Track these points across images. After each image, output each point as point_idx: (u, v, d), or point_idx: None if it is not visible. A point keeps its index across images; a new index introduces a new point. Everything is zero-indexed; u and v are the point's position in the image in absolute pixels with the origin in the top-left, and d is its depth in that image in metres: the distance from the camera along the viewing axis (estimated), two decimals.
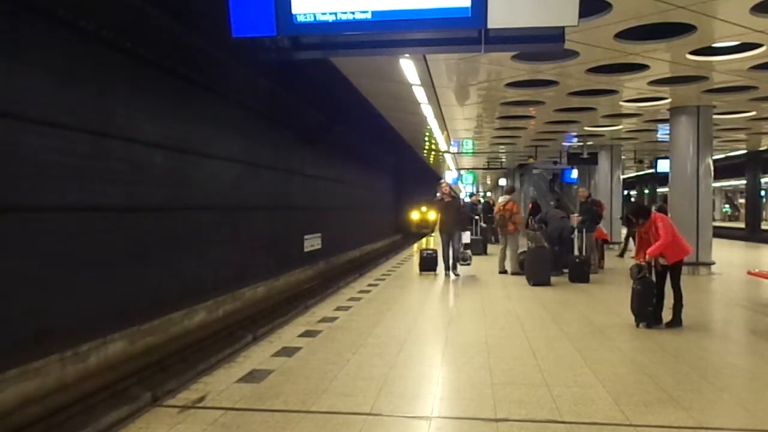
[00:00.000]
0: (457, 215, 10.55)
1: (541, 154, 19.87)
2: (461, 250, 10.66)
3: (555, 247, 10.71)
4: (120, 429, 3.62)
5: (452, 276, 10.33)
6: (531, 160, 21.73)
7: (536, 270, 9.56)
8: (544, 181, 27.59)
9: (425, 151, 23.24)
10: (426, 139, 19.28)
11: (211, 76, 12.89)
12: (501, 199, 11.57)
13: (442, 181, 12.13)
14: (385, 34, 4.49)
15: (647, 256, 6.08)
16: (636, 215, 6.28)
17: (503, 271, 10.92)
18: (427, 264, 11.07)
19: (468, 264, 10.84)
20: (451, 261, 10.43)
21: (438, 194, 10.88)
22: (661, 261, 6.21)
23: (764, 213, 37.00)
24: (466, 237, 10.98)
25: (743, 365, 5.15)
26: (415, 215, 43.17)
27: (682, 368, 4.76)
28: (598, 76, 8.91)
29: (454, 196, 10.98)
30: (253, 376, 4.46)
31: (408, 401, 3.98)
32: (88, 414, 7.19)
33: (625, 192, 41.24)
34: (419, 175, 42.99)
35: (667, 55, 7.87)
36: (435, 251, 11.12)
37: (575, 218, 10.87)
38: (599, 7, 6.01)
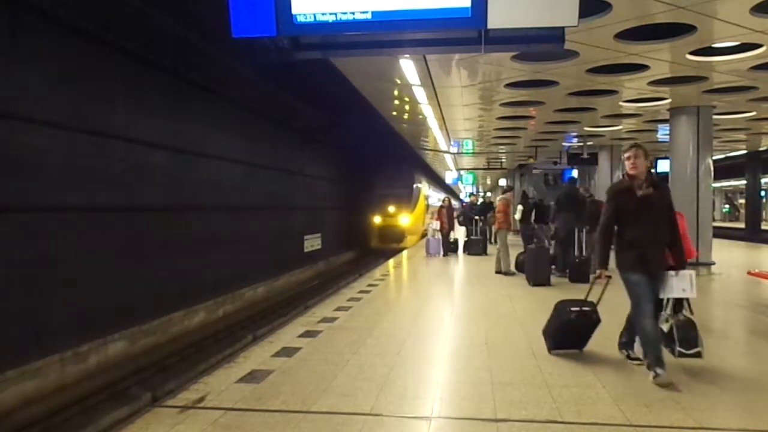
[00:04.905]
0: (673, 230, 4.56)
1: (541, 155, 19.87)
2: (682, 314, 4.77)
3: (559, 248, 10.62)
4: (120, 429, 3.61)
5: (659, 372, 4.36)
6: (531, 161, 21.74)
7: (536, 270, 9.55)
8: (543, 180, 27.61)
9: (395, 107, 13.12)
10: (396, 94, 11.53)
11: (211, 76, 12.87)
12: (498, 199, 11.73)
13: (629, 152, 4.56)
14: (385, 35, 4.50)
15: None
16: None
17: (499, 272, 10.93)
18: (578, 334, 5.32)
19: (699, 355, 4.69)
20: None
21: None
22: None
23: (764, 213, 36.99)
24: (686, 283, 4.51)
25: (743, 365, 5.14)
26: (377, 219, 26.12)
27: (681, 368, 4.75)
28: (598, 76, 8.91)
29: (657, 184, 4.61)
30: (253, 377, 4.46)
31: (408, 401, 3.98)
32: (88, 414, 7.19)
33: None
34: (388, 155, 25.84)
35: (667, 55, 7.87)
36: (593, 309, 5.22)
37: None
38: (599, 7, 6.01)
